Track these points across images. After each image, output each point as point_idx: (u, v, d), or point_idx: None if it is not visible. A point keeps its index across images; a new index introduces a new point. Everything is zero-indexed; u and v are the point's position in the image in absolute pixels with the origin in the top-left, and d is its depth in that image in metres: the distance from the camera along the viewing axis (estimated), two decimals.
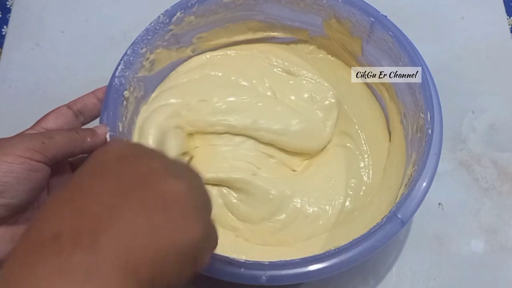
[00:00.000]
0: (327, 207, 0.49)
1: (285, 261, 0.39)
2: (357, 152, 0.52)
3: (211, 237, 0.30)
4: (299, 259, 0.38)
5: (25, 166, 0.35)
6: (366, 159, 0.52)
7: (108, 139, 0.42)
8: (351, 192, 0.50)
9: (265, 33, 0.56)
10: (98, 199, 0.25)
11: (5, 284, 0.22)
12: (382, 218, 0.40)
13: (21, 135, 0.38)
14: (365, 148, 0.53)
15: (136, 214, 0.24)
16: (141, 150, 0.30)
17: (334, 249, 0.39)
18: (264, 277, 0.37)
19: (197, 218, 0.27)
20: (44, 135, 0.37)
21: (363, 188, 0.51)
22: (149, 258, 0.24)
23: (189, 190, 0.27)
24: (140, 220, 0.24)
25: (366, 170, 0.52)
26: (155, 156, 0.29)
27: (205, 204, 0.29)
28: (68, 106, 0.43)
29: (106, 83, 0.45)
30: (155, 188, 0.26)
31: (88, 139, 0.40)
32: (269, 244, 0.48)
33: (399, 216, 0.40)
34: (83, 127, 0.44)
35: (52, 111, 0.42)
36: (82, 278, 0.21)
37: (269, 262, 0.38)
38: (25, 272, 0.22)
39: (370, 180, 0.51)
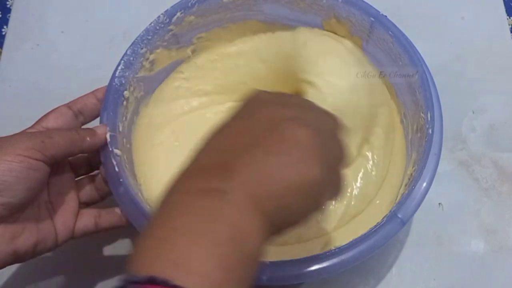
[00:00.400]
0: (331, 211, 0.48)
1: (285, 261, 0.38)
2: (368, 153, 0.51)
3: (332, 183, 0.32)
4: (299, 259, 0.38)
5: (25, 164, 0.35)
6: (375, 159, 0.51)
7: (108, 139, 0.42)
8: (356, 193, 0.49)
9: (265, 33, 0.56)
10: (238, 140, 0.30)
11: (163, 199, 0.28)
12: (382, 218, 0.40)
13: (20, 134, 0.38)
14: (375, 147, 0.51)
15: (264, 154, 0.28)
16: (280, 99, 0.33)
17: (334, 249, 0.39)
18: (264, 277, 0.37)
19: (317, 163, 0.29)
20: (44, 134, 0.37)
21: (369, 188, 0.50)
22: (272, 192, 0.28)
23: (314, 138, 0.29)
24: (267, 160, 0.28)
25: (373, 172, 0.50)
26: (292, 104, 0.32)
27: (332, 152, 0.31)
28: (68, 106, 0.43)
29: (106, 83, 0.45)
30: (283, 134, 0.29)
31: (88, 139, 0.40)
32: (269, 244, 0.48)
33: (399, 216, 0.40)
34: (83, 127, 0.44)
35: (52, 110, 0.42)
36: (220, 196, 0.27)
37: (269, 262, 0.38)
38: (178, 192, 0.28)
39: (375, 181, 0.50)
